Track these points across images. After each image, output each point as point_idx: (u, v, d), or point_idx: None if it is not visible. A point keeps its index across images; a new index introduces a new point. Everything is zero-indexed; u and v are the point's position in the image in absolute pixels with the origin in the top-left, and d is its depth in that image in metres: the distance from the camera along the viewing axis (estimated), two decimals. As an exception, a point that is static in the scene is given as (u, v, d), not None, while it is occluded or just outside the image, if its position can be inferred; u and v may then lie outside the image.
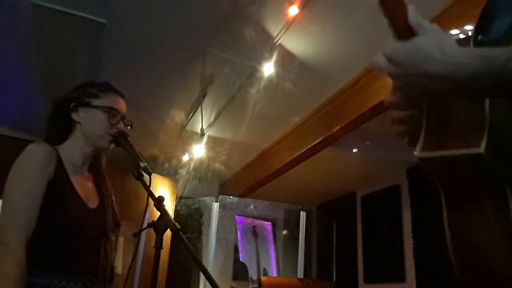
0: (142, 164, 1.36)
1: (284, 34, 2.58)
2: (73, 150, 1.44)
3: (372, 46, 1.64)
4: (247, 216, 5.48)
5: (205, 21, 2.56)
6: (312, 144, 3.49)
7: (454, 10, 2.22)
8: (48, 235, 1.31)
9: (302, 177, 4.33)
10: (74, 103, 1.46)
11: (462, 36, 0.75)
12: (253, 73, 2.92)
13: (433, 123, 0.72)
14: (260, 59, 2.73)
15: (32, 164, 1.33)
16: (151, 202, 1.30)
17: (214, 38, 2.69)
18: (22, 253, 1.22)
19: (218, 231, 4.03)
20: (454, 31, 0.76)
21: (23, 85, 3.47)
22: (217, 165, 4.49)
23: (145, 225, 1.28)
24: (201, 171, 4.30)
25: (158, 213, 1.27)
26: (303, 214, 4.04)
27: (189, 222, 4.64)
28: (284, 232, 5.58)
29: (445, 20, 2.26)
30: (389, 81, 0.70)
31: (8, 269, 1.19)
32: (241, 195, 4.97)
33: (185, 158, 4.17)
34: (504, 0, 0.72)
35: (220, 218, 4.16)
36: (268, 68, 2.75)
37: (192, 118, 3.65)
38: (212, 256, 3.95)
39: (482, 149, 0.62)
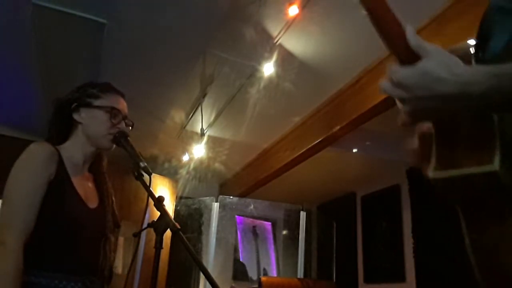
0: (142, 164, 1.36)
1: (284, 34, 2.58)
2: (74, 150, 1.45)
3: (372, 46, 1.64)
4: (247, 216, 5.48)
5: (205, 21, 2.56)
6: (312, 144, 3.49)
7: (454, 10, 2.22)
8: (48, 235, 1.31)
9: (302, 177, 4.33)
10: (75, 104, 1.46)
11: (471, 50, 0.75)
12: (253, 73, 2.92)
13: (443, 142, 0.71)
14: (260, 59, 2.73)
15: (33, 164, 1.34)
16: (151, 202, 1.30)
17: (214, 38, 2.69)
18: (19, 252, 1.22)
19: (218, 231, 4.03)
20: (471, 41, 0.76)
21: (23, 85, 3.47)
22: (217, 165, 4.49)
23: (145, 225, 1.29)
24: (201, 171, 4.30)
25: (158, 213, 1.27)
26: (303, 214, 4.04)
27: (189, 222, 4.63)
28: (284, 232, 5.58)
29: (445, 20, 2.27)
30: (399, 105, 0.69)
31: (5, 267, 1.19)
32: (241, 195, 4.97)
33: (185, 158, 4.17)
34: (497, 15, 0.72)
35: (220, 218, 4.16)
36: (268, 68, 2.75)
37: (192, 118, 3.65)
38: (212, 256, 3.95)
39: (496, 166, 0.62)
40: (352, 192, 4.96)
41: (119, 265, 3.64)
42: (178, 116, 3.74)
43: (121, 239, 3.68)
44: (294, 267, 4.00)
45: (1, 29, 2.71)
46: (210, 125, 3.73)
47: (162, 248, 1.22)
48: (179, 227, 1.25)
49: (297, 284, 3.19)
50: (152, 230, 1.24)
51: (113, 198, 1.53)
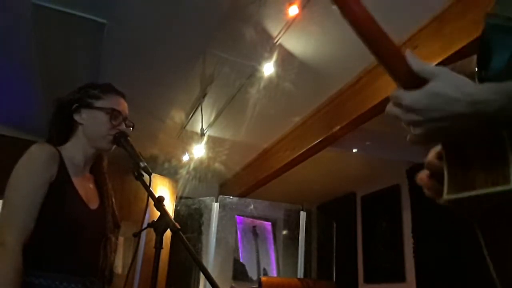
0: (142, 164, 1.36)
1: (284, 34, 2.58)
2: (75, 151, 1.45)
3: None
4: (247, 216, 5.48)
5: (205, 21, 2.56)
6: (312, 144, 3.49)
7: (454, 10, 2.22)
8: (49, 236, 1.31)
9: (302, 177, 4.33)
10: (76, 105, 1.46)
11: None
12: (253, 73, 2.92)
13: (454, 162, 0.71)
14: (260, 59, 2.73)
15: (34, 165, 1.34)
16: (151, 202, 1.30)
17: (214, 38, 2.69)
18: (18, 253, 1.22)
19: (218, 231, 4.03)
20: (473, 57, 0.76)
21: (23, 85, 3.47)
22: (217, 165, 4.49)
23: (145, 225, 1.29)
24: (201, 171, 4.30)
25: (158, 213, 1.27)
26: (303, 214, 4.04)
27: (189, 222, 4.63)
28: (284, 232, 5.58)
29: (445, 20, 2.27)
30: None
31: (5, 267, 1.19)
32: (241, 195, 4.97)
33: (185, 158, 4.17)
34: (496, 33, 0.73)
35: (220, 218, 4.15)
36: (268, 68, 2.75)
37: (192, 118, 3.65)
38: (212, 256, 3.95)
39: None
40: (352, 192, 4.97)
41: (119, 265, 3.64)
42: (178, 116, 3.74)
43: (121, 239, 3.68)
44: (294, 267, 4.00)
45: (1, 29, 2.71)
46: (210, 125, 3.73)
47: (162, 248, 1.22)
48: (179, 227, 1.25)
49: (297, 284, 3.19)
50: (152, 230, 1.24)
51: (113, 199, 1.54)
